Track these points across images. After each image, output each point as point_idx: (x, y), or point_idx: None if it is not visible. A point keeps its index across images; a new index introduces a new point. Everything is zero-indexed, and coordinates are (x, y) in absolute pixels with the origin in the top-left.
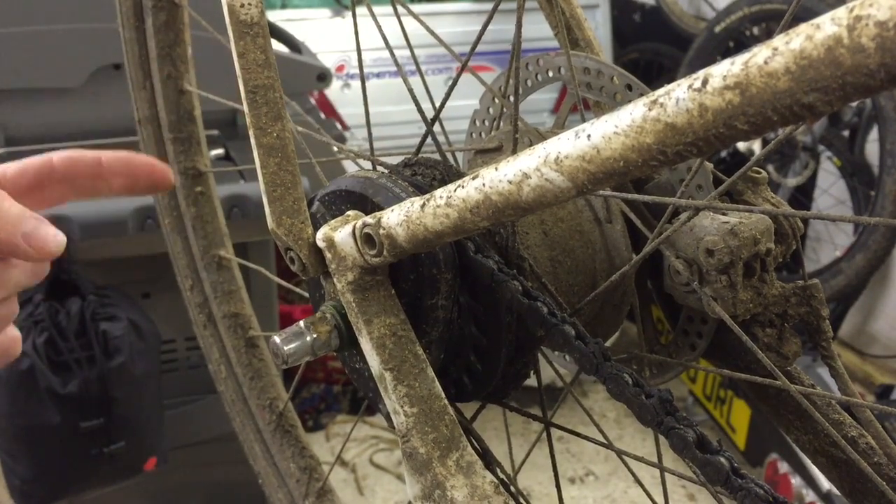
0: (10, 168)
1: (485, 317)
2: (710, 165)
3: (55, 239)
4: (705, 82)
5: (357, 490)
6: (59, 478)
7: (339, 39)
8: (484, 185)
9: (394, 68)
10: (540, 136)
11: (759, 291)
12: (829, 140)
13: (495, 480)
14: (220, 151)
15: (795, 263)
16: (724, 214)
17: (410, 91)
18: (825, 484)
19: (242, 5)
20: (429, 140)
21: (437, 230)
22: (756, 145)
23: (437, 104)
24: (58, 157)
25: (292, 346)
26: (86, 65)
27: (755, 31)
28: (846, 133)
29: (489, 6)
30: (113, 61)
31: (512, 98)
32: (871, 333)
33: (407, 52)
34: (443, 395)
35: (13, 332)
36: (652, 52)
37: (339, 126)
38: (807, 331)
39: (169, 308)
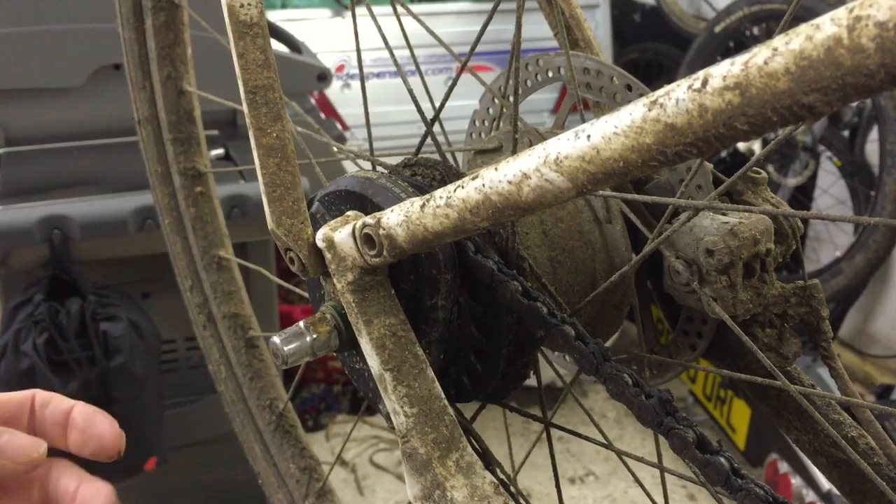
0: None
1: (485, 317)
2: (709, 165)
3: (33, 446)
4: (705, 83)
5: (357, 490)
6: None
7: (339, 39)
8: (484, 185)
9: (394, 68)
10: (540, 137)
11: (759, 292)
12: (829, 140)
13: (495, 481)
14: (220, 151)
15: (795, 263)
16: (724, 214)
17: (410, 91)
18: (825, 484)
19: (242, 5)
20: (429, 140)
21: (436, 230)
22: (756, 145)
23: (437, 104)
24: (39, 396)
25: (292, 346)
26: (86, 65)
27: (755, 31)
28: (846, 133)
29: (489, 6)
30: (113, 61)
31: (512, 98)
32: (871, 333)
33: (407, 52)
34: (442, 395)
35: None
36: (652, 52)
37: (339, 126)
38: (807, 331)
39: (169, 308)
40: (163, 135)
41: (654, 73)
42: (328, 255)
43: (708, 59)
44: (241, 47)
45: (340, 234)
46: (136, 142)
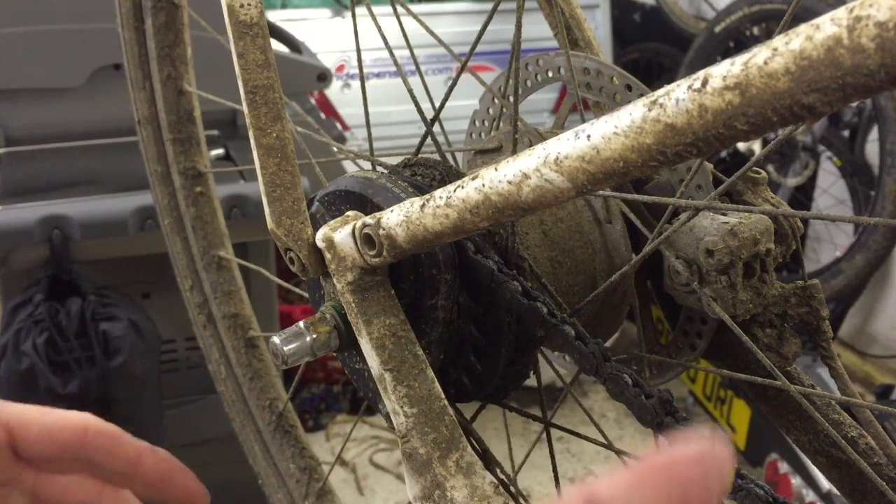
0: (31, 426)
1: (484, 317)
2: (709, 165)
3: None
4: (705, 83)
5: (357, 490)
6: None
7: (339, 39)
8: (483, 185)
9: (394, 68)
10: (540, 137)
11: (759, 292)
12: (829, 140)
13: (495, 481)
14: (220, 151)
15: (795, 263)
16: (723, 214)
17: (410, 91)
18: (825, 484)
19: (242, 5)
20: (429, 140)
21: (436, 231)
22: (756, 145)
23: (437, 104)
24: (93, 428)
25: (292, 346)
26: (86, 65)
27: (755, 31)
28: (846, 133)
29: (489, 6)
30: (113, 61)
31: (512, 98)
32: (871, 333)
33: (407, 52)
34: (442, 395)
35: None
36: (652, 52)
37: (339, 126)
38: (807, 331)
39: (169, 308)
40: (163, 135)
41: (654, 73)
42: (328, 256)
43: (708, 59)
44: (241, 47)
45: (340, 234)
46: (136, 142)
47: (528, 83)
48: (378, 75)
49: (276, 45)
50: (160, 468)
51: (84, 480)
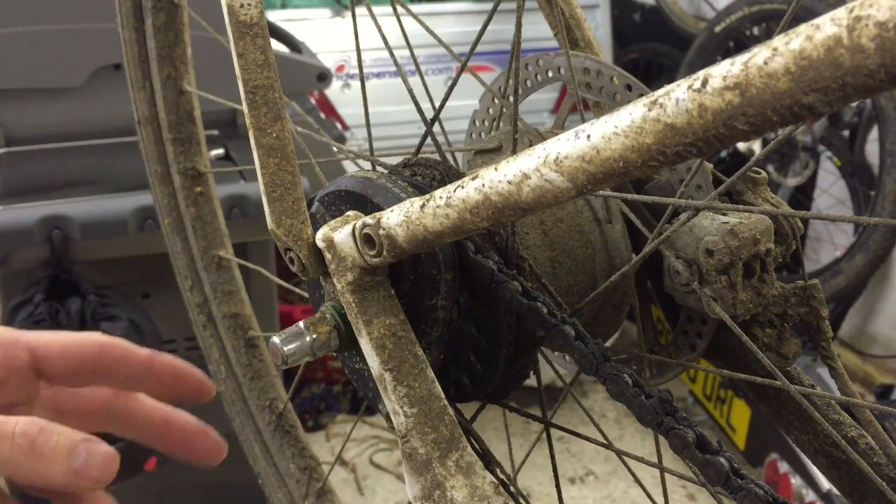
0: (52, 345)
1: (484, 317)
2: (709, 166)
3: (108, 461)
4: (705, 83)
5: (357, 490)
6: None
7: (339, 39)
8: (483, 185)
9: (394, 68)
10: (540, 137)
11: (759, 292)
12: (829, 140)
13: (495, 481)
14: (220, 151)
15: (795, 263)
16: (723, 215)
17: (410, 91)
18: (825, 484)
19: (242, 5)
20: (429, 140)
21: (436, 230)
22: (756, 145)
23: (437, 104)
24: (107, 343)
25: (292, 346)
26: (86, 65)
27: (755, 31)
28: (846, 133)
29: (489, 6)
30: (113, 61)
31: (512, 98)
32: (871, 333)
33: (407, 52)
34: (442, 395)
35: None
36: (652, 52)
37: (339, 126)
38: (807, 331)
39: (169, 308)
40: (163, 135)
41: (654, 73)
42: (328, 256)
43: (708, 59)
44: (241, 47)
45: (340, 234)
46: (136, 142)
47: (528, 83)
48: (378, 75)
49: (276, 45)
50: (171, 367)
51: (100, 389)
